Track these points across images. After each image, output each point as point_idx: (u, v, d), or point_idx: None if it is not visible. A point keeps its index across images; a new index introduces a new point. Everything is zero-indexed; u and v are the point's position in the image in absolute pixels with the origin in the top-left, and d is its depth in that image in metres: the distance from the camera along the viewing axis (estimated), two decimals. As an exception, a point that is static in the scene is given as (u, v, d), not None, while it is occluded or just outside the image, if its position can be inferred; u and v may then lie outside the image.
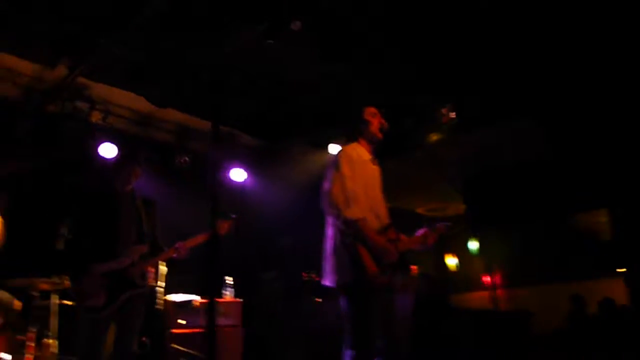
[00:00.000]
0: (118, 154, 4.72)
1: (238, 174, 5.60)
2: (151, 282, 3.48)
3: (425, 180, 7.27)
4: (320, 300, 5.28)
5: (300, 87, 4.91)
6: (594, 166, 6.47)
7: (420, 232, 2.83)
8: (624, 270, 6.63)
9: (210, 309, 1.48)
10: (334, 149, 5.32)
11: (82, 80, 4.59)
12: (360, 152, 2.84)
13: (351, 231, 2.52)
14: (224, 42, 4.13)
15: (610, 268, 6.81)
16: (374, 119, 2.91)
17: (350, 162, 2.69)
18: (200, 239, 3.31)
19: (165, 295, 4.08)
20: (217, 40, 4.10)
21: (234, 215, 3.61)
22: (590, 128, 5.70)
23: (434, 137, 5.63)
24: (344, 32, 4.05)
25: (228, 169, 5.67)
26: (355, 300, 2.53)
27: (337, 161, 2.69)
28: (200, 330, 4.15)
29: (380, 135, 2.90)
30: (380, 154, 2.98)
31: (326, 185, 2.66)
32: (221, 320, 4.30)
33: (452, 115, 4.82)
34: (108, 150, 4.87)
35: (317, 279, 5.44)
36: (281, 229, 6.01)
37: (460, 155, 6.39)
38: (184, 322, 4.16)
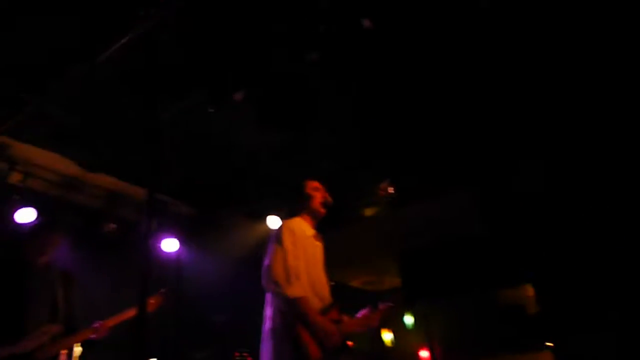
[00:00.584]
0: (35, 219, 4.33)
1: (170, 245, 5.28)
2: (62, 367, 3.06)
3: (360, 254, 7.23)
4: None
5: (239, 157, 4.81)
6: (521, 242, 6.76)
7: (362, 312, 2.73)
8: (551, 344, 6.78)
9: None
10: (272, 220, 5.19)
11: (2, 138, 4.24)
12: (304, 227, 2.74)
13: (292, 311, 2.36)
14: (163, 108, 4.02)
15: (538, 341, 6.95)
16: (317, 193, 2.85)
17: (292, 237, 2.57)
18: (124, 316, 3.03)
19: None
20: (156, 105, 3.98)
21: (162, 290, 3.38)
22: (523, 205, 5.98)
23: (371, 211, 5.67)
24: (287, 102, 4.06)
25: (159, 239, 5.35)
26: (295, 388, 2.32)
27: (279, 235, 2.56)
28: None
29: (323, 211, 2.83)
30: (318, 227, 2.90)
31: (266, 260, 2.50)
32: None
33: (390, 190, 4.90)
34: (25, 215, 4.44)
35: (250, 359, 5.11)
36: (215, 304, 5.66)
37: (396, 229, 6.45)
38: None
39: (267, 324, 2.50)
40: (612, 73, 4.06)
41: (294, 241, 2.55)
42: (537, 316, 7.14)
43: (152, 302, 3.44)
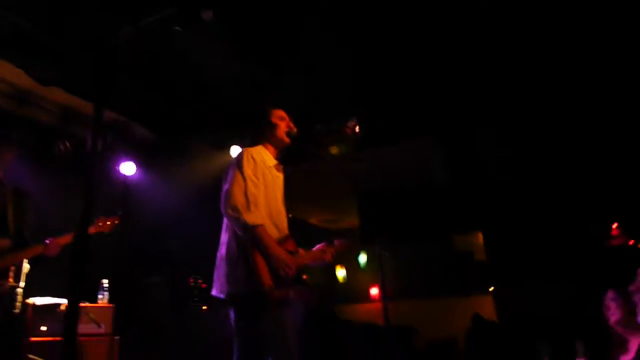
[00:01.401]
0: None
1: (127, 168, 5.14)
2: (10, 282, 3.01)
3: (322, 192, 7.29)
4: (206, 308, 5.01)
5: (206, 83, 4.64)
6: (474, 192, 6.99)
7: (318, 247, 2.76)
8: (492, 289, 7.21)
9: (70, 314, 1.22)
10: (235, 151, 5.10)
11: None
12: (265, 156, 2.69)
13: (249, 238, 2.35)
14: (125, 22, 3.78)
15: (482, 286, 7.36)
16: (282, 122, 2.78)
17: (253, 165, 2.52)
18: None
19: (25, 297, 3.55)
20: (119, 19, 3.74)
21: (119, 213, 3.33)
22: (483, 158, 6.13)
23: (336, 149, 5.65)
24: (261, 31, 3.89)
25: (117, 161, 5.19)
26: (246, 314, 2.36)
27: (240, 161, 2.51)
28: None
29: (287, 140, 2.78)
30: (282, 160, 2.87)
31: (226, 185, 2.46)
32: (89, 328, 3.84)
33: (357, 129, 4.86)
34: (-28, 126, 4.19)
35: (204, 285, 5.19)
36: (171, 230, 5.63)
37: (359, 170, 6.50)
38: (45, 328, 3.65)
39: (222, 250, 2.49)
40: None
41: (255, 169, 2.51)
42: (483, 263, 7.54)
43: (108, 223, 3.39)
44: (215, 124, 5.08)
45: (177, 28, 3.76)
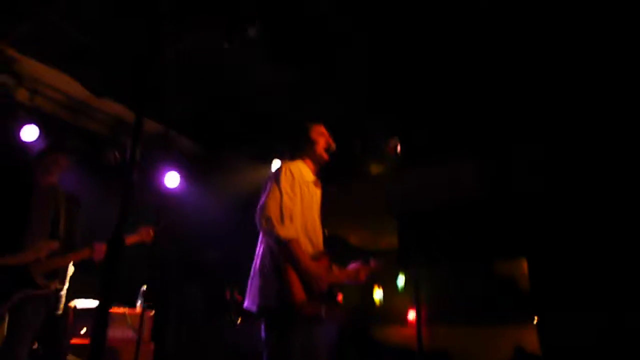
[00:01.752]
0: (42, 139, 4.33)
1: (172, 179, 5.30)
2: (55, 285, 3.13)
3: (361, 210, 7.24)
4: (241, 320, 5.03)
5: (250, 96, 4.74)
6: (519, 214, 6.75)
7: (353, 265, 2.73)
8: (536, 320, 6.90)
9: (100, 317, 1.25)
10: (277, 164, 5.17)
11: (10, 51, 4.17)
12: (304, 171, 2.70)
13: (282, 251, 2.36)
14: (178, 39, 3.94)
15: (524, 316, 7.05)
16: (321, 138, 2.79)
17: (291, 179, 2.53)
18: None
19: (68, 300, 3.69)
20: (172, 36, 3.91)
21: (161, 224, 3.43)
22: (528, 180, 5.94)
23: (377, 168, 5.61)
24: (304, 40, 3.95)
25: (162, 172, 5.35)
26: (276, 328, 2.35)
27: (278, 175, 2.53)
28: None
29: (326, 157, 2.78)
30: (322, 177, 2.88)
31: (262, 198, 2.49)
32: (127, 333, 3.94)
33: (399, 148, 4.83)
34: (30, 133, 4.43)
35: (240, 298, 5.21)
36: (210, 241, 5.72)
37: (400, 190, 6.43)
38: (84, 331, 3.77)
39: (257, 263, 2.50)
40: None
41: (293, 184, 2.52)
42: (527, 292, 7.23)
43: (150, 233, 3.49)
44: (258, 137, 5.17)
45: (225, 45, 3.91)
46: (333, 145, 2.80)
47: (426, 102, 4.74)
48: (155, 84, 4.24)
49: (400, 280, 8.65)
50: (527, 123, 4.99)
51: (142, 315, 3.87)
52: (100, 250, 3.06)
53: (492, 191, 6.48)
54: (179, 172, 5.33)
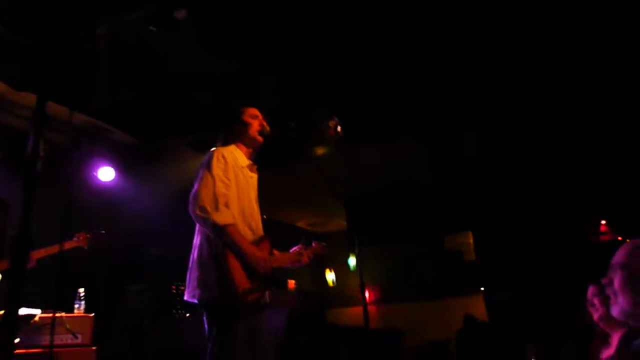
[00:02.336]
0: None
1: (105, 173, 5.06)
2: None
3: (307, 194, 7.22)
4: (189, 315, 4.91)
5: (185, 83, 4.56)
6: (462, 191, 6.97)
7: (295, 249, 2.71)
8: (483, 289, 7.17)
9: (6, 325, 1.15)
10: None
11: None
12: (238, 156, 2.62)
13: (220, 238, 2.28)
14: (100, 23, 3.72)
15: (473, 287, 7.32)
16: (254, 121, 2.73)
17: (224, 165, 2.45)
18: (52, 250, 2.92)
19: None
20: (92, 21, 3.69)
21: (102, 231, 3.31)
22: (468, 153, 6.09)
23: (320, 150, 5.58)
24: (236, 27, 3.84)
25: (94, 166, 5.09)
26: (219, 319, 2.28)
27: (209, 161, 2.44)
28: (40, 350, 3.57)
29: (260, 139, 2.72)
30: (263, 163, 2.82)
31: (195, 186, 2.39)
32: (67, 338, 3.74)
33: (339, 129, 4.81)
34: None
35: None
36: (152, 237, 5.54)
37: (345, 172, 6.45)
38: (18, 340, 3.54)
39: (194, 253, 2.43)
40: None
41: (226, 169, 2.44)
42: (473, 263, 7.50)
43: (87, 237, 3.37)
44: (195, 126, 5.01)
45: (152, 28, 3.73)
46: (267, 128, 2.74)
47: (366, 80, 4.72)
48: (86, 75, 4.03)
49: (352, 261, 8.73)
50: (468, 105, 5.10)
51: (81, 318, 3.68)
52: (29, 259, 2.88)
53: (436, 170, 6.64)
54: (114, 166, 5.09)
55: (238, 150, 2.66)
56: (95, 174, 5.03)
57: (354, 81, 4.76)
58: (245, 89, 4.61)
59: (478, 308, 6.87)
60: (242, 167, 2.60)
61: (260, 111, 2.80)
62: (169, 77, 4.51)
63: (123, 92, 4.57)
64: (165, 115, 4.90)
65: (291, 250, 2.71)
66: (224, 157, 2.48)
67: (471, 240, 7.72)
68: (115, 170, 5.14)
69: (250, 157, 2.70)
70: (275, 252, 2.60)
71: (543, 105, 5.07)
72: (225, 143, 2.66)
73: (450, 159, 6.43)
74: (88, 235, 3.32)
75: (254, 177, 2.69)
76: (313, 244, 2.80)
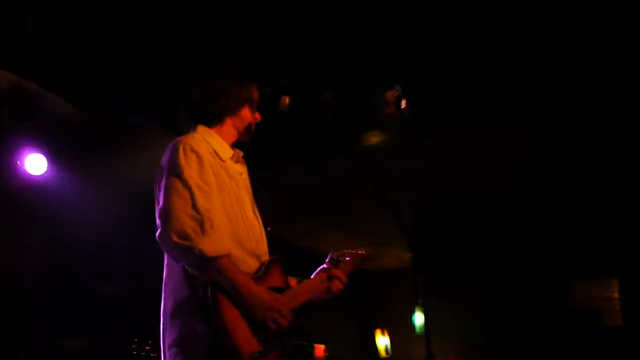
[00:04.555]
0: None
1: (34, 163, 5.21)
2: None
3: (346, 207, 7.28)
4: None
5: (164, 24, 4.76)
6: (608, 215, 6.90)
7: (317, 272, 2.76)
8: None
9: None
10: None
11: None
12: (214, 143, 2.63)
13: (209, 276, 2.30)
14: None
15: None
16: (248, 90, 2.76)
17: (196, 162, 2.44)
18: None
19: None
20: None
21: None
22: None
23: (373, 138, 5.61)
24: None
25: (21, 154, 5.29)
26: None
27: (174, 162, 2.43)
28: None
29: (252, 130, 2.78)
30: (275, 156, 2.89)
31: (160, 201, 2.39)
32: None
33: (404, 104, 4.81)
34: None
35: (154, 355, 5.21)
36: (104, 266, 5.70)
37: (411, 174, 6.47)
38: None
39: (167, 304, 2.42)
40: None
41: (201, 169, 2.44)
42: (620, 329, 7.39)
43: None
44: (175, 93, 5.16)
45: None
46: (285, 100, 2.79)
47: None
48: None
49: (418, 319, 8.70)
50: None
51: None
52: None
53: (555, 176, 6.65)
54: (47, 154, 5.27)
55: (214, 135, 2.68)
56: (19, 163, 5.19)
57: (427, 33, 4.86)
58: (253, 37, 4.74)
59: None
60: (224, 161, 2.63)
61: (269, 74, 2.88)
62: (136, 12, 4.66)
63: (63, 39, 4.74)
64: (128, 78, 5.06)
65: (313, 276, 2.74)
66: (192, 150, 2.49)
67: (617, 294, 7.62)
68: (48, 159, 5.30)
69: (233, 144, 2.74)
70: (292, 281, 2.62)
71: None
72: (194, 123, 2.71)
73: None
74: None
75: (243, 172, 2.73)
76: (347, 257, 2.84)
